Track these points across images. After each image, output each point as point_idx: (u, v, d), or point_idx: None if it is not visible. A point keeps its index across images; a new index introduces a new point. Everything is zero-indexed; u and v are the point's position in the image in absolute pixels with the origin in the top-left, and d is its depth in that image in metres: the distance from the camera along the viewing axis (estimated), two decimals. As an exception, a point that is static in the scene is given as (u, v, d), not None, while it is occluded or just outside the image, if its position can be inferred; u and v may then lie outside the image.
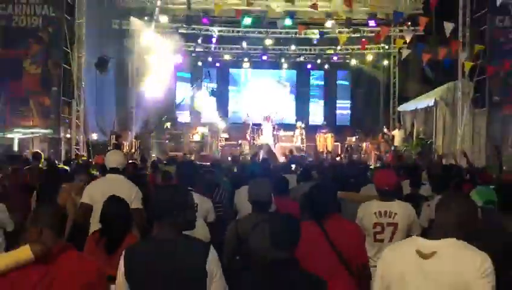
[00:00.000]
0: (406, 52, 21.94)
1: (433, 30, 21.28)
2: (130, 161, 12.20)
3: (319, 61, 28.45)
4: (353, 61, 28.28)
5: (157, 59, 26.21)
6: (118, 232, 4.77)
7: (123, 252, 3.86)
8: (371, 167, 14.30)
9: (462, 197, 3.63)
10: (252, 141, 24.85)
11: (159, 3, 22.57)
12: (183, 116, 27.90)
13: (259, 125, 25.35)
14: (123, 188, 6.29)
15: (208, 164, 13.65)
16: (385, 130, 24.84)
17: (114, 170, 6.77)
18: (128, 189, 6.40)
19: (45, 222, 3.88)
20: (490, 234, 3.47)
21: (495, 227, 5.36)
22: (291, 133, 25.57)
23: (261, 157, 19.45)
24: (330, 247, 4.84)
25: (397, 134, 24.42)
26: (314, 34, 24.96)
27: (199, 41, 26.31)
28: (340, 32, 24.30)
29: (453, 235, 3.26)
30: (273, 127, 25.14)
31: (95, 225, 6.29)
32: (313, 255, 4.49)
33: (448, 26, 18.28)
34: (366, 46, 26.01)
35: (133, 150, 21.95)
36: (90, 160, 16.36)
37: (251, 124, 25.54)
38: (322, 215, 4.99)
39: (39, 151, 14.69)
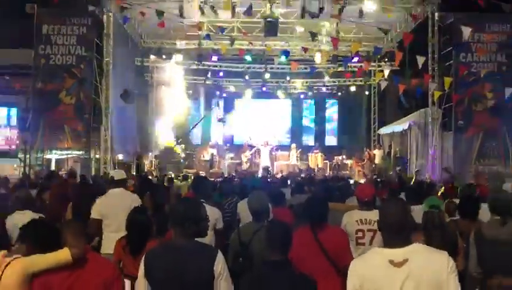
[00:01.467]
0: (384, 84, 21.94)
1: (407, 65, 21.39)
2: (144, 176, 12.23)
3: (310, 92, 28.56)
4: (339, 92, 28.34)
5: (172, 91, 26.37)
6: (140, 238, 4.78)
7: (144, 255, 3.90)
8: (353, 181, 14.25)
9: (394, 202, 3.57)
10: (253, 159, 24.85)
11: (177, 44, 22.66)
12: (195, 139, 27.84)
13: (260, 147, 25.40)
14: (126, 199, 6.37)
15: (218, 179, 13.68)
16: (366, 153, 24.79)
17: (117, 184, 6.92)
18: (130, 199, 6.49)
19: (78, 233, 3.95)
20: (432, 231, 3.43)
21: (437, 226, 5.41)
22: (287, 153, 25.54)
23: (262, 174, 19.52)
24: (320, 250, 4.86)
25: (377, 153, 24.43)
26: (305, 69, 25.09)
27: (208, 75, 26.49)
28: (328, 67, 24.49)
29: (409, 241, 3.23)
30: (270, 151, 25.12)
31: (108, 232, 6.36)
32: (307, 257, 4.51)
33: (420, 60, 18.30)
34: (350, 78, 26.18)
35: (152, 168, 21.96)
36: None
37: (255, 148, 25.52)
38: (316, 222, 5.03)
39: (74, 170, 14.76)
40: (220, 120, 28.62)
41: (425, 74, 18.44)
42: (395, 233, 3.21)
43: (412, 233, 3.36)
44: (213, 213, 6.20)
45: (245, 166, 24.42)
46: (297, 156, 25.40)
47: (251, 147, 25.93)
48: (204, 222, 3.91)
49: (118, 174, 7.22)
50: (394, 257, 3.15)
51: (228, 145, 27.37)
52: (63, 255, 3.80)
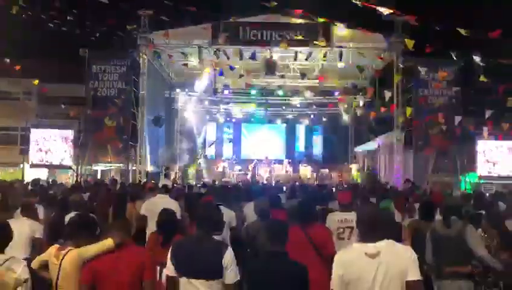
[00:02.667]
0: (359, 111, 22.02)
1: (377, 97, 21.51)
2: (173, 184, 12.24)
3: (300, 119, 28.64)
4: (324, 118, 28.39)
5: (193, 117, 26.49)
6: (169, 232, 4.81)
7: (171, 245, 3.93)
8: (334, 189, 14.22)
9: (368, 205, 3.57)
10: (256, 171, 24.82)
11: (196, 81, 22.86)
12: (210, 150, 27.80)
13: (261, 161, 25.37)
14: (168, 204, 6.41)
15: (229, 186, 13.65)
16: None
17: (163, 191, 6.95)
18: (171, 205, 6.53)
19: (119, 228, 4.00)
20: (385, 227, 3.40)
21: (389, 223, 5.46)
22: (281, 166, 25.47)
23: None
24: (309, 242, 4.88)
25: (353, 167, 24.41)
26: (296, 100, 25.24)
27: (221, 105, 26.52)
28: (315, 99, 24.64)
29: (383, 237, 3.24)
30: (269, 164, 25.10)
31: (150, 227, 6.39)
32: (299, 249, 4.52)
33: (387, 94, 18.42)
34: (332, 108, 26.29)
35: (177, 177, 21.97)
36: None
37: (255, 161, 25.53)
38: (306, 221, 5.05)
39: (115, 178, 14.75)
40: (230, 141, 28.69)
41: (392, 104, 18.49)
42: (369, 230, 3.24)
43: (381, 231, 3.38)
44: (228, 213, 6.23)
45: (249, 177, 24.37)
46: (288, 169, 25.36)
47: (254, 161, 25.89)
48: (219, 221, 3.95)
49: (167, 183, 7.31)
50: (369, 250, 3.18)
51: (236, 159, 27.41)
52: (107, 243, 3.85)
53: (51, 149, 19.03)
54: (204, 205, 4.29)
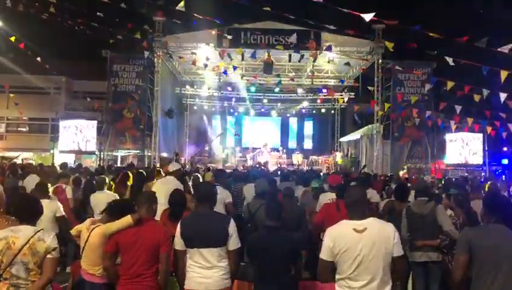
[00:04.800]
0: (344, 106, 21.86)
1: (360, 94, 21.45)
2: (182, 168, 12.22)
3: (294, 112, 28.50)
4: (314, 112, 28.29)
5: (200, 110, 26.41)
6: (178, 209, 4.80)
7: (181, 220, 3.92)
8: (322, 173, 14.22)
9: (354, 187, 3.55)
10: (255, 158, 24.76)
11: (203, 78, 22.75)
12: (215, 143, 27.78)
13: (259, 148, 25.28)
14: (175, 185, 6.38)
15: (230, 171, 13.64)
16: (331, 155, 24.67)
17: (171, 173, 6.89)
18: (178, 185, 6.49)
19: (141, 203, 3.99)
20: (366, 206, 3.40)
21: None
22: (278, 154, 25.30)
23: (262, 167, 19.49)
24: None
25: (339, 155, 24.34)
26: (291, 96, 25.10)
27: (225, 100, 26.39)
28: (306, 95, 24.56)
29: (368, 215, 3.23)
30: (268, 151, 25.00)
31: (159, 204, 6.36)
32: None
33: (371, 90, 18.30)
34: (321, 103, 26.21)
35: (186, 162, 21.95)
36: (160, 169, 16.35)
37: (257, 149, 25.40)
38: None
39: (133, 163, 14.72)
40: (236, 134, 28.49)
41: (373, 100, 18.44)
42: (357, 209, 3.22)
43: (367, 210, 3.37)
44: (223, 192, 6.25)
45: (249, 162, 24.32)
46: (283, 156, 25.24)
47: (254, 149, 25.85)
48: (214, 197, 3.95)
49: (174, 166, 7.21)
50: (356, 226, 3.15)
51: (238, 147, 27.33)
52: (127, 220, 3.84)
53: (77, 137, 19.01)
54: (203, 186, 4.33)
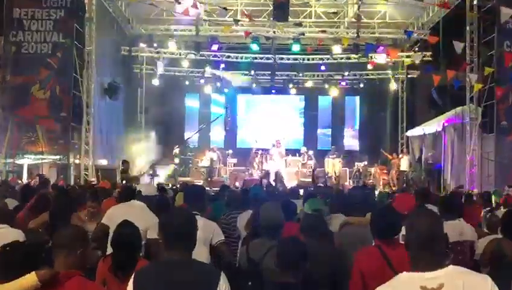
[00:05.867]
0: (415, 76, 21.78)
1: (441, 53, 21.26)
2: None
3: (326, 86, 28.40)
4: (361, 86, 28.24)
5: (165, 85, 26.38)
6: (127, 256, 4.77)
7: (133, 275, 3.88)
8: (377, 191, 14.21)
9: (420, 215, 3.50)
10: (260, 166, 24.66)
11: (167, 30, 22.71)
12: (192, 139, 27.72)
13: (267, 150, 25.17)
14: (141, 215, 6.35)
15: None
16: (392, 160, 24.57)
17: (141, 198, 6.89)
18: (146, 217, 6.46)
19: (58, 248, 3.96)
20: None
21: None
22: (299, 159, 25.26)
23: (271, 181, 19.41)
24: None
25: (406, 159, 24.27)
26: (321, 60, 25.09)
27: (208, 67, 26.36)
28: (347, 58, 24.52)
29: (444, 261, 3.15)
30: (285, 152, 24.89)
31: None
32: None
33: (458, 46, 18.10)
34: (373, 70, 26.14)
35: (141, 175, 21.91)
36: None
37: (260, 152, 25.24)
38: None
39: (46, 178, 14.61)
40: (228, 129, 28.17)
41: (464, 64, 18.33)
42: (427, 251, 3.16)
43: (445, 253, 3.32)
44: (207, 226, 6.20)
45: (255, 174, 24.24)
46: (306, 162, 25.13)
47: (258, 150, 25.58)
48: (193, 235, 3.91)
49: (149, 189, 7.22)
50: (427, 282, 3.08)
51: (230, 150, 27.26)
52: (29, 279, 3.80)
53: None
54: (175, 215, 4.22)
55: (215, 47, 23.91)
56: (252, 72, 26.75)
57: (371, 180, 23.53)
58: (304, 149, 26.01)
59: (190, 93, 29.16)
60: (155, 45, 24.12)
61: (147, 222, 6.33)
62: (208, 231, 6.24)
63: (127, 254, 4.86)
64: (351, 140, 30.57)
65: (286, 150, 25.45)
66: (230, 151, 26.56)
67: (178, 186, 16.24)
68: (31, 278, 3.80)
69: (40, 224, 7.34)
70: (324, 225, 6.17)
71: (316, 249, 5.37)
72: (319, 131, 30.77)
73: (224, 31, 21.66)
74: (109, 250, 5.65)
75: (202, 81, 27.75)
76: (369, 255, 5.07)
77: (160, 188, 13.69)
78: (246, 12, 21.08)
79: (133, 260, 4.77)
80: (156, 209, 7.29)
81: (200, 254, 5.21)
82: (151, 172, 20.34)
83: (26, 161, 19.31)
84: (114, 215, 6.69)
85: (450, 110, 21.46)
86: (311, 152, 25.71)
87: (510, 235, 5.86)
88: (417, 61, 23.51)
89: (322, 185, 19.27)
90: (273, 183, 18.98)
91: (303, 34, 21.43)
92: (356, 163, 25.55)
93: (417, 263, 3.17)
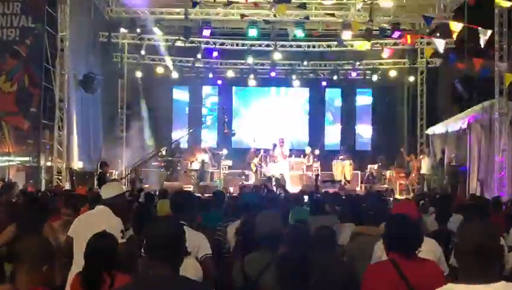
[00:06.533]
0: (438, 63, 21.73)
1: (466, 40, 21.23)
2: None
3: (335, 77, 28.29)
4: (374, 78, 28.14)
5: (150, 77, 26.36)
6: (95, 272, 4.77)
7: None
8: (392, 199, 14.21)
9: (479, 221, 3.50)
10: (259, 169, 24.61)
11: (156, 13, 22.69)
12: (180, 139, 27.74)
13: (267, 151, 25.15)
14: (105, 221, 6.34)
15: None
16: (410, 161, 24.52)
17: (106, 203, 6.85)
18: (109, 223, 6.44)
19: (19, 261, 3.94)
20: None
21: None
22: (303, 161, 25.23)
23: (271, 187, 19.36)
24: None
25: (427, 161, 24.26)
26: (329, 47, 25.07)
27: (198, 55, 26.34)
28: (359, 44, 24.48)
29: (497, 276, 3.18)
30: (288, 152, 24.83)
31: (76, 261, 6.36)
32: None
33: (485, 33, 18.08)
34: (389, 59, 26.12)
35: (123, 180, 21.94)
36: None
37: (261, 152, 25.19)
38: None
39: (14, 182, 14.58)
40: (227, 133, 27.93)
41: (491, 50, 18.33)
42: (480, 262, 3.17)
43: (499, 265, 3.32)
44: (194, 238, 6.20)
45: (253, 178, 24.21)
46: (311, 164, 25.07)
47: (257, 150, 25.50)
48: (179, 248, 3.91)
49: (112, 188, 7.18)
50: None
51: (225, 149, 27.20)
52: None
53: None
54: (158, 225, 4.20)
55: (206, 32, 23.84)
56: (250, 61, 26.66)
57: (386, 185, 23.49)
58: (308, 150, 25.94)
59: (178, 86, 29.16)
60: (138, 30, 24.04)
61: (110, 229, 6.32)
62: (193, 244, 6.24)
63: (97, 268, 4.84)
64: (363, 139, 30.53)
65: (291, 150, 25.43)
66: (225, 152, 26.40)
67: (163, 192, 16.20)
68: None
69: (5, 240, 7.32)
70: (308, 237, 6.16)
71: (327, 263, 5.38)
72: (327, 129, 30.74)
73: (217, 14, 21.67)
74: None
75: (192, 71, 27.76)
76: (380, 271, 5.06)
77: (146, 194, 13.73)
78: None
79: (103, 275, 4.76)
80: (136, 219, 7.29)
81: (190, 267, 5.22)
82: (133, 176, 20.26)
83: (-10, 163, 19.33)
84: (77, 225, 6.71)
85: (476, 104, 21.46)
86: (317, 151, 25.72)
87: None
88: (441, 50, 23.42)
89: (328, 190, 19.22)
90: (274, 189, 18.93)
91: (307, 18, 21.36)
92: (369, 165, 25.53)
93: (468, 275, 3.20)
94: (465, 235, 3.27)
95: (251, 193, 15.28)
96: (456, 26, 18.21)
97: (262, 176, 23.46)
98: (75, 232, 6.74)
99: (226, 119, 27.12)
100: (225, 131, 26.84)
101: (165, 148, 25.43)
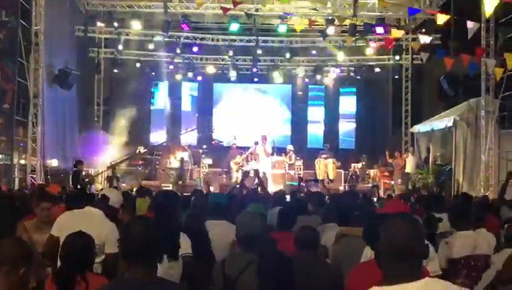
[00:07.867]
0: (424, 57, 21.76)
1: (451, 35, 21.26)
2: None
3: (317, 75, 28.47)
4: (358, 75, 28.28)
5: (128, 72, 26.29)
6: (70, 273, 4.75)
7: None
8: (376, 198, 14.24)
9: (403, 219, 3.52)
10: (240, 167, 24.58)
11: (130, 6, 22.63)
12: (159, 136, 27.73)
13: (247, 148, 25.16)
14: (99, 225, 6.30)
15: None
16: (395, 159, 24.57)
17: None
18: (101, 226, 6.41)
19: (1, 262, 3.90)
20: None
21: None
22: (284, 159, 25.20)
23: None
24: None
25: (411, 159, 24.33)
26: (313, 43, 25.08)
27: (178, 50, 26.32)
28: (343, 40, 24.55)
29: (420, 274, 3.23)
30: (271, 150, 24.73)
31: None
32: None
33: (472, 27, 18.03)
34: (373, 56, 26.18)
35: (99, 178, 21.85)
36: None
37: (244, 153, 25.14)
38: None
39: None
40: (210, 131, 27.86)
41: (478, 49, 18.40)
42: (402, 260, 3.19)
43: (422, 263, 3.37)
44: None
45: (234, 177, 24.16)
46: (292, 163, 25.09)
47: (239, 148, 25.55)
48: (156, 250, 3.89)
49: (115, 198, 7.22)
50: None
51: (205, 147, 27.18)
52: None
53: None
54: (136, 227, 4.17)
55: (186, 27, 23.84)
56: (230, 56, 26.63)
57: (369, 184, 23.53)
58: (290, 147, 25.99)
59: (157, 82, 29.03)
60: (115, 24, 23.97)
61: (104, 234, 6.29)
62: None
63: (72, 268, 4.80)
64: (346, 137, 30.58)
65: (273, 148, 25.34)
66: (205, 149, 26.50)
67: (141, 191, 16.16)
68: None
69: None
70: (266, 235, 6.17)
71: (310, 265, 5.37)
72: (309, 127, 30.80)
73: (197, 7, 21.61)
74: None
75: (171, 67, 27.74)
76: (367, 270, 5.06)
77: (123, 193, 13.69)
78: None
79: (77, 276, 4.73)
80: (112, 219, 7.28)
81: (170, 268, 5.20)
82: (110, 174, 20.18)
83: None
84: (65, 224, 6.61)
85: (462, 102, 21.56)
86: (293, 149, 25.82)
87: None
88: (426, 42, 23.44)
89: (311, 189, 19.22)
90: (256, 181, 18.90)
91: (291, 13, 21.39)
92: (352, 164, 25.58)
93: (392, 273, 3.23)
94: (388, 234, 3.30)
95: (217, 193, 15.39)
96: (443, 19, 18.25)
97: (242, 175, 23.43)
98: (61, 232, 6.66)
99: (213, 131, 27.20)
100: (213, 142, 26.93)
101: (143, 146, 25.36)
